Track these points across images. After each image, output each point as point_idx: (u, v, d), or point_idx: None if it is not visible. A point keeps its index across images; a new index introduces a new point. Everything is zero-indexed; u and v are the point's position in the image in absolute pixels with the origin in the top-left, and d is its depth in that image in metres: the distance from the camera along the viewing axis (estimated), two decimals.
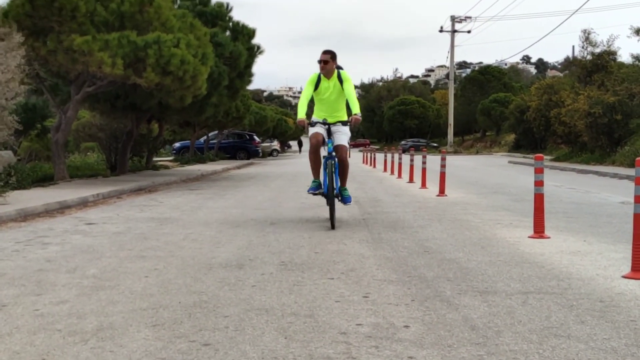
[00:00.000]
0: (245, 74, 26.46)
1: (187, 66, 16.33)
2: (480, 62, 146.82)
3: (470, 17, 64.86)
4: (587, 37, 37.42)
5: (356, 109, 8.99)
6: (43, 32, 15.71)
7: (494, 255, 6.72)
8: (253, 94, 68.19)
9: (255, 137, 49.31)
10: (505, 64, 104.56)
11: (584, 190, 15.70)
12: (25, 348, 3.73)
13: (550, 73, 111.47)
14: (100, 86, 17.07)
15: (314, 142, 9.07)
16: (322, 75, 9.17)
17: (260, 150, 50.11)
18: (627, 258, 6.43)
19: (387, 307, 4.63)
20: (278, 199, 13.66)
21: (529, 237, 7.90)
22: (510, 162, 35.95)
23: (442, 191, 14.35)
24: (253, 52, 26.64)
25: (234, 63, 23.74)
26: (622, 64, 35.22)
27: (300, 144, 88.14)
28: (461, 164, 32.88)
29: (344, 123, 9.29)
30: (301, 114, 9.12)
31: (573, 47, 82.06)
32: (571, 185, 17.23)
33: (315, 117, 9.27)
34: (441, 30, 65.75)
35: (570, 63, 43.57)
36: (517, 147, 50.61)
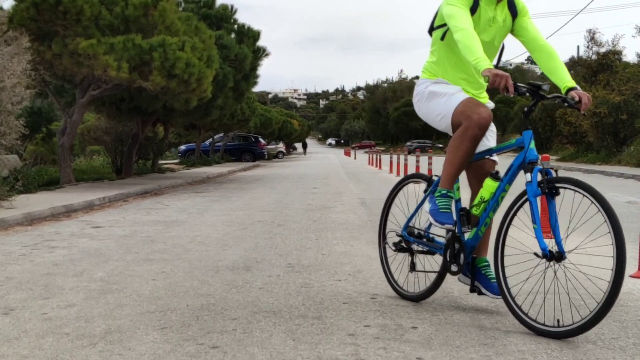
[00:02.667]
0: (251, 76, 26.53)
1: (192, 69, 16.36)
2: None
3: None
4: (592, 37, 37.47)
5: (568, 75, 4.34)
6: (48, 36, 15.76)
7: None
8: (258, 96, 68.33)
9: (261, 139, 49.40)
10: (510, 64, 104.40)
11: None
12: (34, 352, 3.73)
13: None
14: (106, 89, 17.10)
15: (484, 118, 4.27)
16: None
17: (265, 153, 50.18)
18: (635, 257, 6.41)
19: (394, 308, 4.62)
20: (284, 200, 13.66)
21: None
22: None
23: None
24: (258, 54, 26.71)
25: (239, 65, 23.80)
26: (627, 64, 35.24)
27: (305, 146, 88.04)
28: None
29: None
30: (483, 54, 4.08)
31: (578, 47, 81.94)
32: None
33: (441, 85, 4.57)
34: None
35: (575, 63, 43.53)
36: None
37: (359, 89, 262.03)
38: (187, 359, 3.58)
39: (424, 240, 4.78)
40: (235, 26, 26.13)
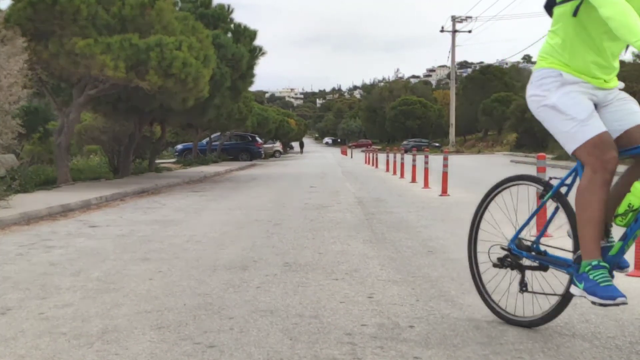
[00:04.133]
0: (247, 75, 26.51)
1: (189, 69, 16.34)
2: (482, 62, 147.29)
3: (471, 17, 65.15)
4: None
5: None
6: (45, 36, 15.73)
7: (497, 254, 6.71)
8: (255, 95, 68.27)
9: (258, 138, 49.34)
10: (506, 64, 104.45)
11: None
12: (31, 352, 3.73)
13: None
14: (103, 89, 17.08)
15: (614, 157, 3.70)
16: None
17: (262, 152, 50.14)
18: (631, 256, 6.43)
19: (391, 307, 4.63)
20: (281, 199, 13.66)
21: (532, 236, 7.88)
22: (512, 161, 35.93)
23: (444, 191, 14.34)
24: (255, 53, 26.69)
25: (236, 65, 23.77)
26: (622, 63, 35.24)
27: (301, 145, 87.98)
28: (463, 164, 32.86)
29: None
30: None
31: None
32: None
33: (569, 97, 3.80)
34: (442, 30, 65.86)
35: None
36: (518, 147, 50.57)
37: (355, 88, 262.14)
38: (184, 358, 3.59)
39: (533, 253, 4.16)
40: (232, 25, 26.11)
